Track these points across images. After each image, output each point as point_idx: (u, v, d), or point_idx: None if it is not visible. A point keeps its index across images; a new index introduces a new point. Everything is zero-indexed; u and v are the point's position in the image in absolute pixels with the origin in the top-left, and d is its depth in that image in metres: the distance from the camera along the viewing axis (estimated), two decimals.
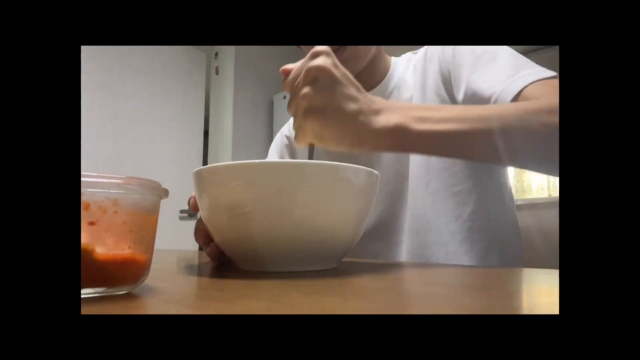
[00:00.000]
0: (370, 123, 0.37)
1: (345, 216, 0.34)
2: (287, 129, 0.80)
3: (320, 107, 0.37)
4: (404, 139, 0.38)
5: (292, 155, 0.78)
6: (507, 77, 0.46)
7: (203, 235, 0.39)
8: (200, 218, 0.38)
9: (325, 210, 0.32)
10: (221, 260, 0.40)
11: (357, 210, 0.35)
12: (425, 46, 0.67)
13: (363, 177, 0.34)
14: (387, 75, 0.66)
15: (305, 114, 0.38)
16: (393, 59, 0.69)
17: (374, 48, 0.61)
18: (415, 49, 0.69)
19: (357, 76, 0.61)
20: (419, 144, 0.39)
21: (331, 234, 0.33)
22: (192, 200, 0.41)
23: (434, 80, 0.61)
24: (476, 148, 0.39)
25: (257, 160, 0.31)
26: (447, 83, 0.59)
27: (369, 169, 0.34)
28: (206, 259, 0.48)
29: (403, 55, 0.70)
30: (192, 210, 0.41)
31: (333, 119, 0.37)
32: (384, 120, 0.38)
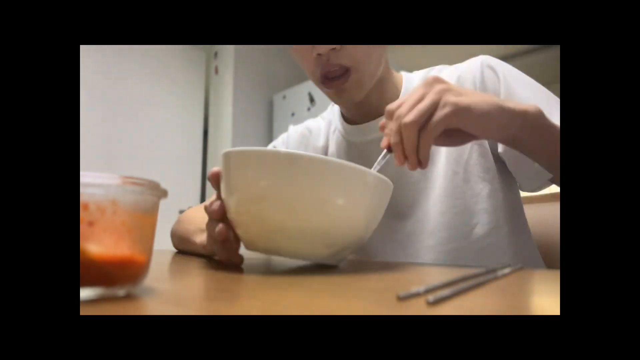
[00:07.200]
0: (507, 105, 0.39)
1: (359, 218, 0.36)
2: (281, 143, 0.76)
3: (458, 92, 0.39)
4: (534, 121, 0.40)
5: None
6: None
7: (218, 211, 0.39)
8: (219, 195, 0.39)
9: (345, 208, 0.34)
10: (225, 246, 0.40)
11: (370, 214, 0.37)
12: (451, 69, 0.62)
13: (381, 186, 0.37)
14: (400, 96, 0.62)
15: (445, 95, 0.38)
16: (405, 76, 0.64)
17: (379, 72, 0.57)
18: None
19: (364, 100, 0.60)
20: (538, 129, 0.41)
21: (342, 232, 0.35)
22: (212, 173, 0.41)
23: None
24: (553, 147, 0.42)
25: (292, 151, 0.33)
26: None
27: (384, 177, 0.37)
28: (206, 259, 0.48)
29: (417, 73, 0.65)
30: (210, 180, 0.41)
31: (473, 102, 0.39)
32: (514, 104, 0.40)
